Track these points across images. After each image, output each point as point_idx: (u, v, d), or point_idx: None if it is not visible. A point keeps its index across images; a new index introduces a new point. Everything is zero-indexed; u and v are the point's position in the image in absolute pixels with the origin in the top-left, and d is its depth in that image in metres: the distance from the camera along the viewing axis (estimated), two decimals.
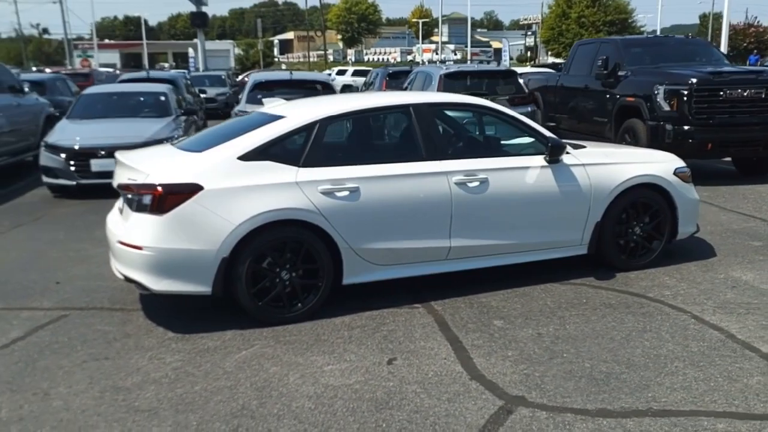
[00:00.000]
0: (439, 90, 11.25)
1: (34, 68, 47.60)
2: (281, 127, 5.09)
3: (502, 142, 5.94)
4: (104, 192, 7.62)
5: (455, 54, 70.13)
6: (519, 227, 5.54)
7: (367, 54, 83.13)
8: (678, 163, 6.22)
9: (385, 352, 4.46)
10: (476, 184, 5.34)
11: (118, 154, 5.27)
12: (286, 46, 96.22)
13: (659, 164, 6.07)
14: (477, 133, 6.22)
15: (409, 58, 71.77)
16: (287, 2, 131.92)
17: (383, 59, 77.48)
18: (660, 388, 3.88)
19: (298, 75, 11.87)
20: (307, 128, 5.10)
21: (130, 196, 4.83)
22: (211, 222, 4.69)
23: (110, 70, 39.86)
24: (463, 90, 11.19)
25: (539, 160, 5.57)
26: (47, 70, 39.82)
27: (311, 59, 70.07)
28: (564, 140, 6.45)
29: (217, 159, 4.90)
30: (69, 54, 53.02)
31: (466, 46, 69.85)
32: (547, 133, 5.71)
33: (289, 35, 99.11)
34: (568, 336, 4.64)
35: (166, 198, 4.67)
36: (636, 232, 6.02)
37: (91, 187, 9.64)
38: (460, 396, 3.86)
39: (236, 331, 4.83)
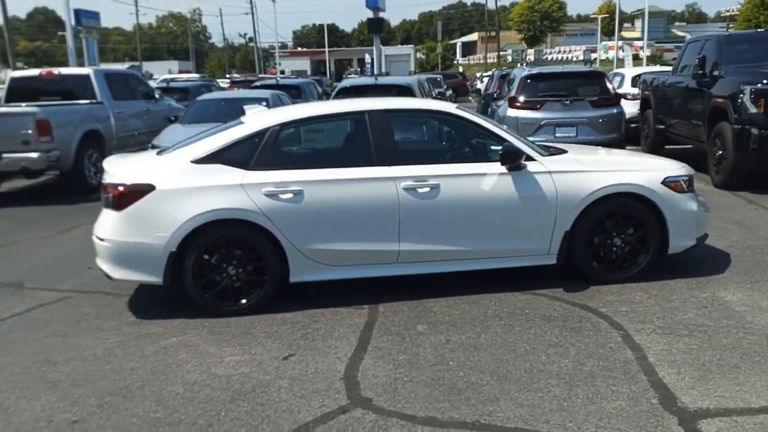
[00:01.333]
0: (518, 92, 11.07)
1: (227, 76, 52.09)
2: (235, 133, 5.48)
3: (466, 148, 5.88)
4: None
5: (641, 50, 66.31)
6: (475, 234, 5.49)
7: (551, 53, 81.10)
8: (671, 171, 5.78)
9: (291, 348, 4.69)
10: (426, 189, 5.37)
11: (105, 161, 5.93)
12: (469, 48, 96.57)
13: (643, 173, 5.69)
14: (440, 138, 6.19)
15: (594, 56, 69.09)
16: (475, 3, 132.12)
17: (566, 58, 75.25)
18: (509, 403, 3.77)
19: (382, 80, 12.18)
20: (259, 134, 5.43)
21: (103, 195, 5.46)
22: (161, 219, 5.18)
23: (271, 77, 42.32)
24: (545, 92, 10.93)
25: (498, 166, 5.47)
26: (235, 76, 43.46)
27: (489, 60, 69.87)
28: (545, 144, 6.29)
29: (172, 162, 5.39)
30: (258, 62, 57.37)
31: (656, 42, 65.96)
32: (515, 141, 5.59)
33: (473, 37, 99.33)
34: (473, 345, 4.58)
35: (123, 196, 5.24)
36: (616, 244, 5.69)
37: None
38: (315, 394, 4.01)
39: (184, 319, 5.28)
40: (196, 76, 41.52)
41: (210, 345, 4.80)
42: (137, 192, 5.22)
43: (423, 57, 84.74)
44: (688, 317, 4.92)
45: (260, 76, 36.95)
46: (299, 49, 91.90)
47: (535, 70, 11.64)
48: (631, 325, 4.81)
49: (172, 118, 12.58)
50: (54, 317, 5.51)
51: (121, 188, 5.25)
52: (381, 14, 47.59)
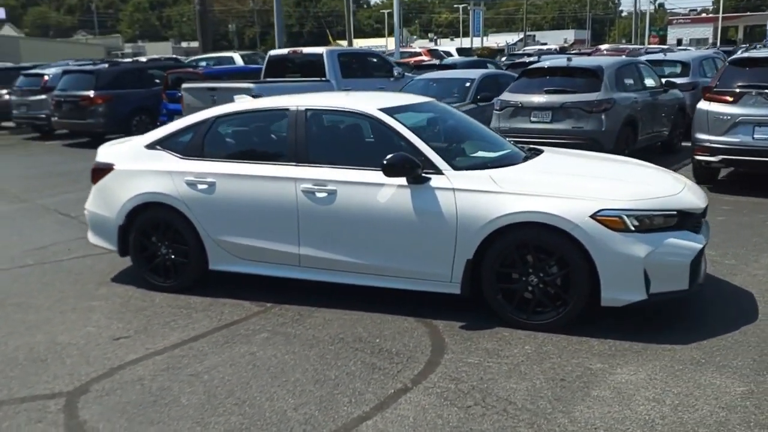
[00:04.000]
0: (715, 80, 9.06)
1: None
2: (182, 122, 5.86)
3: (378, 154, 5.25)
4: None
5: None
6: (370, 248, 5.04)
7: None
8: (613, 203, 4.47)
9: (139, 330, 5.01)
10: (323, 195, 5.11)
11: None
12: None
13: (569, 200, 4.51)
14: (356, 141, 5.59)
15: None
16: None
17: None
18: (155, 428, 3.64)
19: (576, 62, 10.89)
20: (197, 125, 5.73)
21: None
22: (115, 196, 5.86)
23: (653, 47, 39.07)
24: (751, 81, 8.80)
25: (398, 178, 4.90)
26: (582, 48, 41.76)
27: None
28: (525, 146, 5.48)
29: (132, 145, 6.01)
30: (635, 31, 53.93)
31: None
32: (429, 153, 4.93)
33: None
34: (258, 363, 4.36)
35: (94, 172, 6.06)
36: (531, 283, 4.68)
37: None
38: (67, 375, 4.30)
39: (132, 288, 5.91)
40: (551, 47, 41.11)
41: (101, 315, 5.36)
42: (102, 170, 5.98)
43: None
44: (505, 387, 3.92)
45: (622, 46, 34.13)
46: (703, 15, 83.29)
47: (747, 53, 9.34)
48: (434, 381, 4.03)
49: None
50: (77, 268, 6.57)
51: (93, 165, 6.08)
52: None
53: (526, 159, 5.41)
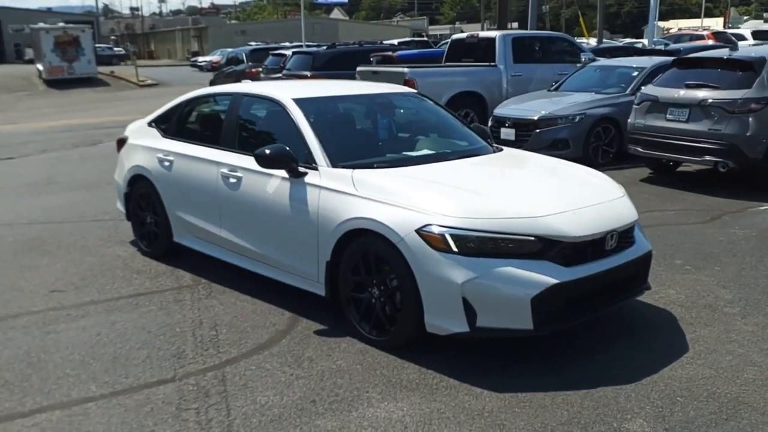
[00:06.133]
0: None
1: None
2: (173, 102, 6.27)
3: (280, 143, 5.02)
4: None
5: None
6: (265, 238, 5.01)
7: None
8: (443, 219, 3.87)
9: (77, 287, 5.57)
10: (234, 180, 5.18)
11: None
12: None
13: (400, 210, 4.02)
14: (272, 130, 5.30)
15: None
16: None
17: None
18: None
19: (739, 53, 8.92)
20: (179, 106, 6.13)
21: None
22: (124, 166, 6.52)
23: None
24: None
25: (282, 171, 4.78)
26: None
27: None
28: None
29: (142, 122, 6.58)
30: None
31: None
32: (314, 147, 4.72)
33: None
34: (100, 332, 4.63)
35: (118, 144, 6.78)
36: (374, 295, 4.27)
37: None
38: None
39: (134, 252, 6.53)
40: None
41: (75, 270, 5.98)
42: (121, 142, 6.69)
43: None
44: (251, 399, 3.67)
45: None
46: None
47: None
48: (202, 378, 3.94)
49: (553, 84, 12.25)
50: (123, 227, 7.30)
51: (118, 138, 6.82)
52: None
53: (453, 159, 4.94)
